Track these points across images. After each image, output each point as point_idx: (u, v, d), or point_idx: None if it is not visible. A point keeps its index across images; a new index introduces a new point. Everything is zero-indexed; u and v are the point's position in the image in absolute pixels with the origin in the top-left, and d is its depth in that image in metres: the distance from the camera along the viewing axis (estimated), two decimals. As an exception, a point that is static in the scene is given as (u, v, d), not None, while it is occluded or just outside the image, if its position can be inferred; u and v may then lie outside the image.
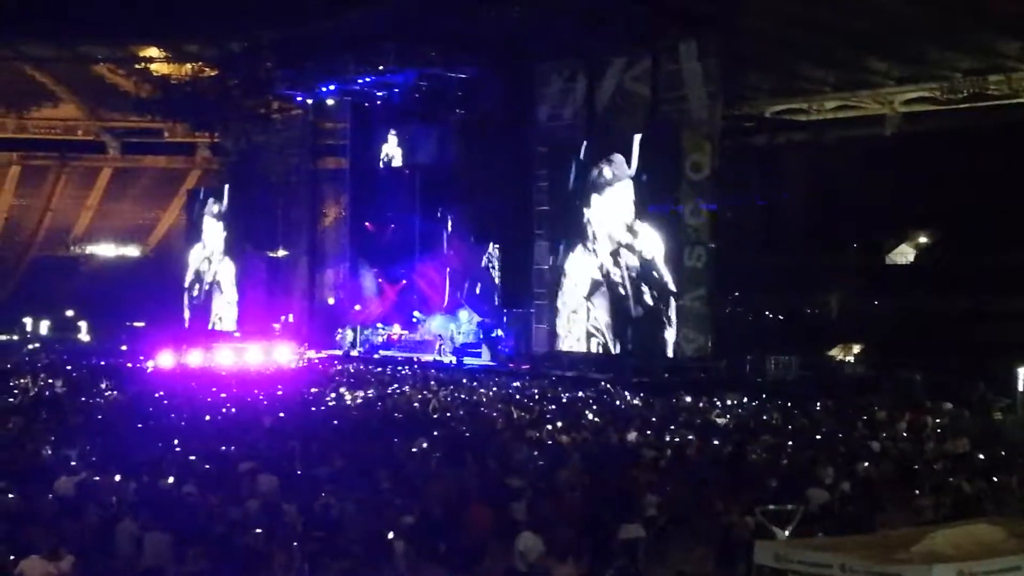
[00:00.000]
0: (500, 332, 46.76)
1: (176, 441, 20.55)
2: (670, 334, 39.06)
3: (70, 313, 64.90)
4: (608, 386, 34.48)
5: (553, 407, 28.72)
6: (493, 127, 47.73)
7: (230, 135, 60.69)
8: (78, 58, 64.03)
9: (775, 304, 46.13)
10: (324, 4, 46.12)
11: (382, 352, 49.25)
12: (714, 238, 38.85)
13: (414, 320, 51.44)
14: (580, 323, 42.22)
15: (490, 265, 49.43)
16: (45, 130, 72.66)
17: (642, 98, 41.51)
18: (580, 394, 32.56)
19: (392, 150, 54.52)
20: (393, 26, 44.91)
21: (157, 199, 74.44)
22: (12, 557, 12.39)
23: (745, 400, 31.16)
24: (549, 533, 13.91)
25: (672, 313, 39.04)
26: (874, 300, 44.63)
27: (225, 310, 59.32)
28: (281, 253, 57.58)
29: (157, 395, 30.12)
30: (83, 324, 63.87)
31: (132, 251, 73.95)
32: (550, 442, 21.99)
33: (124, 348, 50.30)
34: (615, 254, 40.75)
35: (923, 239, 47.39)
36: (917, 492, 18.13)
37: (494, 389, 34.03)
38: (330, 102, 54.22)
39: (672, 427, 24.46)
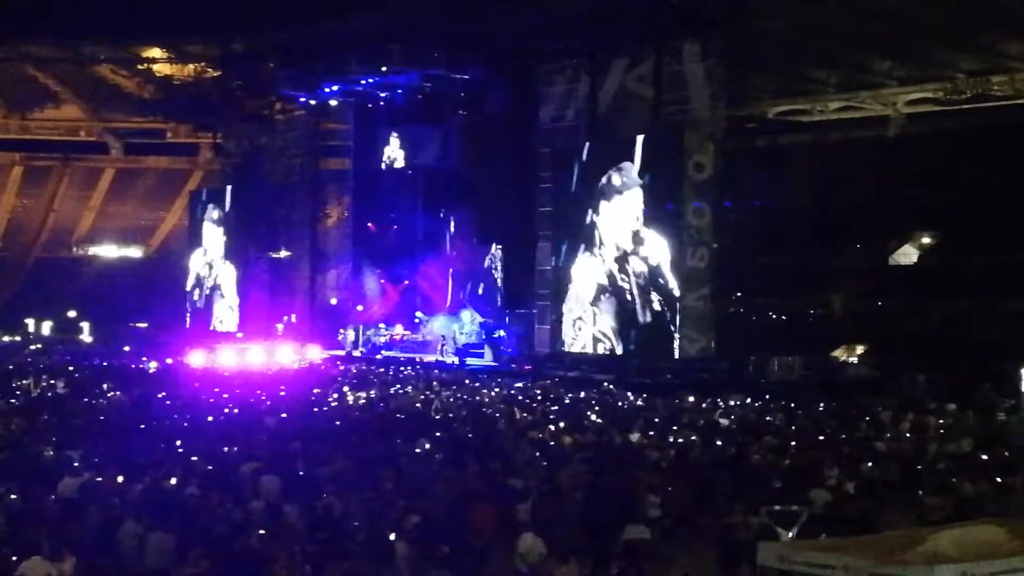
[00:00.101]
0: (502, 333, 46.75)
1: (179, 442, 20.53)
2: (677, 339, 38.96)
3: (72, 314, 64.88)
4: (611, 387, 34.46)
5: (556, 408, 28.68)
6: (496, 128, 47.78)
7: (232, 136, 60.70)
8: (81, 59, 64.12)
9: (778, 305, 46.16)
10: (327, 5, 46.16)
11: (384, 353, 49.24)
12: (717, 239, 38.85)
13: (416, 321, 51.41)
14: (587, 328, 42.14)
15: (492, 266, 49.44)
16: (48, 131, 72.86)
17: (645, 99, 41.44)
18: (583, 395, 32.52)
19: (395, 151, 54.48)
20: (396, 27, 44.97)
21: (159, 200, 74.56)
22: (14, 558, 12.37)
23: (748, 401, 31.09)
24: (551, 534, 13.88)
25: (678, 317, 38.98)
26: (878, 301, 44.67)
27: (226, 314, 59.31)
28: (283, 254, 57.59)
29: (160, 395, 30.14)
30: (85, 325, 63.83)
31: (135, 252, 74.05)
32: (552, 443, 21.96)
33: (127, 349, 50.38)
34: (623, 260, 40.61)
35: (926, 240, 47.39)
36: (920, 493, 18.09)
37: (496, 390, 33.97)
38: (333, 103, 54.32)
39: (675, 428, 24.42)
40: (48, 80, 68.82)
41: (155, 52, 61.93)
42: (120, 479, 16.74)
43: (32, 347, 55.22)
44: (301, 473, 17.79)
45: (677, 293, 38.72)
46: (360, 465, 18.17)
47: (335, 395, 31.29)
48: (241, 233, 58.83)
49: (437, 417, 26.67)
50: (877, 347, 40.96)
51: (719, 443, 22.33)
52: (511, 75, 45.91)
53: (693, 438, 22.67)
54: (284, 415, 25.62)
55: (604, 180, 41.23)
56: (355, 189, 55.91)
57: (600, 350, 41.56)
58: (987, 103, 42.75)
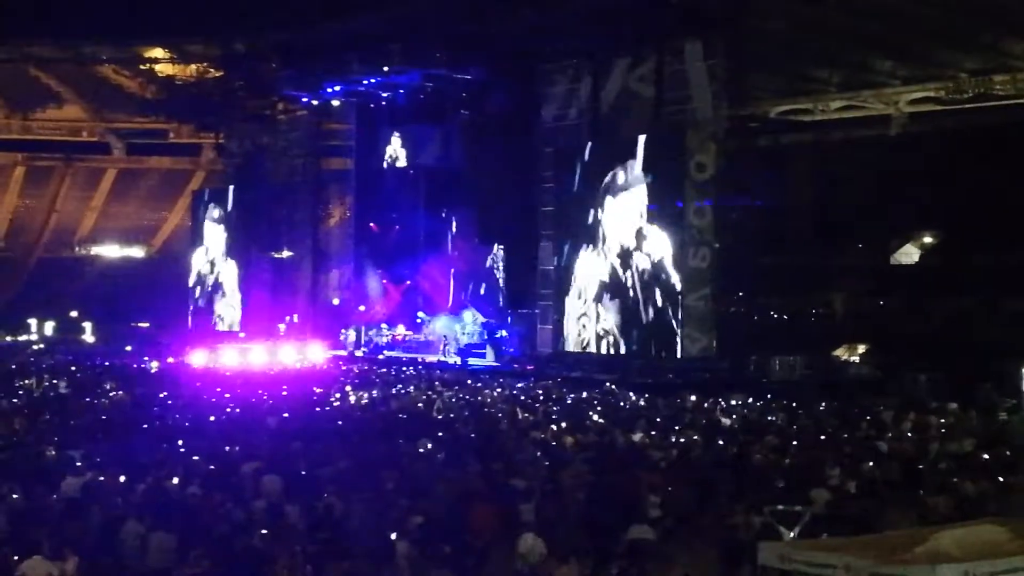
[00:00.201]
0: (504, 333, 46.76)
1: (180, 442, 20.55)
2: (679, 336, 38.97)
3: (75, 314, 64.97)
4: (613, 387, 34.47)
5: (558, 408, 28.69)
6: (498, 128, 47.76)
7: (235, 136, 60.74)
8: (82, 59, 64.07)
9: (780, 304, 46.14)
10: (328, 5, 46.15)
11: (386, 353, 49.27)
12: (719, 238, 38.85)
13: (418, 321, 51.42)
14: (590, 326, 42.15)
15: (494, 266, 49.47)
16: (50, 131, 72.85)
17: (647, 99, 41.47)
18: (585, 395, 32.53)
19: (397, 151, 54.51)
20: (397, 27, 44.95)
21: (162, 200, 74.59)
22: (16, 558, 12.39)
23: (750, 400, 31.10)
24: (553, 534, 13.88)
25: (680, 315, 39.00)
26: (879, 300, 44.65)
27: (228, 313, 59.35)
28: (285, 254, 57.59)
29: (161, 395, 30.17)
30: (88, 325, 63.94)
31: (137, 252, 74.08)
32: (555, 443, 21.96)
33: (128, 349, 50.41)
34: (626, 256, 40.63)
35: (928, 239, 47.36)
36: (922, 493, 18.09)
37: (498, 390, 33.97)
38: (335, 103, 54.31)
39: (676, 428, 24.42)
40: (50, 80, 68.84)
41: (157, 52, 61.85)
42: (122, 479, 16.77)
43: (34, 347, 55.28)
44: (303, 473, 17.80)
45: (679, 290, 38.75)
46: (362, 465, 18.17)
47: (337, 395, 31.30)
48: (243, 233, 58.87)
49: (439, 417, 26.68)
50: (878, 347, 40.95)
51: (721, 443, 22.34)
52: (513, 75, 45.91)
53: (695, 438, 22.68)
54: (286, 415, 25.64)
55: (609, 177, 41.29)
56: (357, 189, 55.94)
57: (604, 347, 41.59)
58: (989, 102, 42.67)
